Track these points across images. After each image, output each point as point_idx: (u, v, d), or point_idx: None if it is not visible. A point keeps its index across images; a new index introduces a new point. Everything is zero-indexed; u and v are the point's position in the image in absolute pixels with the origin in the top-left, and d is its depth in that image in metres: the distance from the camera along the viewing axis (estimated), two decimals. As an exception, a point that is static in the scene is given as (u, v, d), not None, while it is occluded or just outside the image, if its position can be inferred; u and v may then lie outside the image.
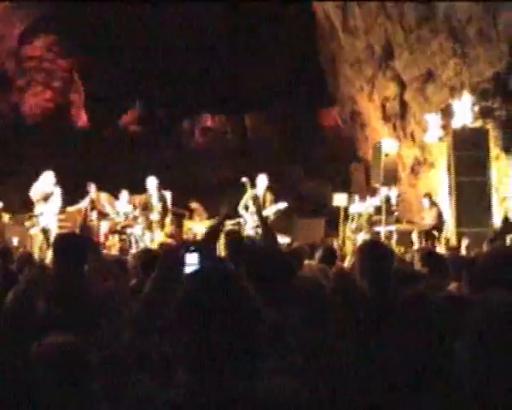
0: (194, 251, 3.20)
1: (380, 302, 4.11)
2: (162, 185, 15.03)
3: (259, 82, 27.06)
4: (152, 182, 14.79)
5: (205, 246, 3.91)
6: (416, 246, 12.98)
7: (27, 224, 14.63)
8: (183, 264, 3.20)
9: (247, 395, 2.02)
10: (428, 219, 15.05)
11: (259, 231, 13.80)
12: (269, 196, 14.12)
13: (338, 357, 3.52)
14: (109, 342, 3.71)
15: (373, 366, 3.52)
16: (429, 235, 14.40)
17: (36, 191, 14.41)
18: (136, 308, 3.43)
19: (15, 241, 14.74)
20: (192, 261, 3.21)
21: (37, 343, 3.12)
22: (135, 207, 15.46)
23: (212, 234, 4.24)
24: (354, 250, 8.42)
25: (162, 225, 14.68)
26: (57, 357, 3.02)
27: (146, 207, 14.74)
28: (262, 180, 14.17)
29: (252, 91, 26.72)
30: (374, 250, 4.56)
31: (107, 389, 3.08)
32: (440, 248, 12.81)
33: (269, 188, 14.24)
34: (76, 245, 4.89)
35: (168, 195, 15.39)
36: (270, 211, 13.96)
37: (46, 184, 14.43)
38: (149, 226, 14.60)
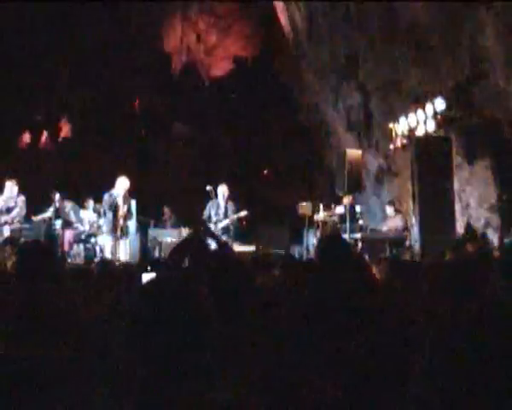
0: (152, 270, 3.19)
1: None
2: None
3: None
4: (122, 182, 14.05)
5: (170, 259, 3.91)
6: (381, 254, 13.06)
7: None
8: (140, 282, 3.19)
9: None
10: (392, 226, 15.16)
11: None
12: (231, 205, 14.23)
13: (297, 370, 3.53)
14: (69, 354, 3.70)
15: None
16: (394, 243, 14.49)
17: (-1, 202, 14.33)
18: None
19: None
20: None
21: None
22: (99, 216, 15.38)
23: (183, 247, 4.24)
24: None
25: (126, 230, 14.36)
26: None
27: (114, 208, 13.89)
28: (223, 190, 14.27)
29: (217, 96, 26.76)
30: (332, 243, 4.65)
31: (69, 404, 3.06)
32: (405, 256, 12.91)
33: (230, 197, 14.34)
34: (40, 254, 4.87)
35: (133, 202, 15.05)
36: (231, 220, 14.07)
37: (9, 194, 14.34)
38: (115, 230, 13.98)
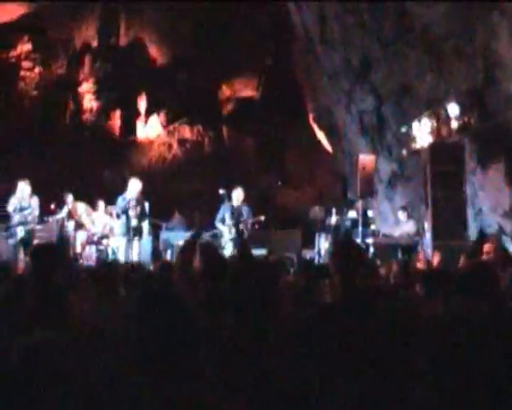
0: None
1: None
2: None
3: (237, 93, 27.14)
4: (134, 184, 14.18)
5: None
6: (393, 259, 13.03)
7: (5, 234, 14.57)
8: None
9: None
10: (405, 232, 15.12)
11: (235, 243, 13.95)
12: (246, 209, 14.23)
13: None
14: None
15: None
16: (406, 248, 14.45)
17: (12, 202, 14.37)
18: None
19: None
20: None
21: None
22: (111, 217, 15.42)
23: (188, 249, 4.27)
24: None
25: (140, 232, 14.39)
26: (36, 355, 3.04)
27: (126, 210, 13.98)
28: (238, 193, 14.26)
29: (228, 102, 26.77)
30: (345, 246, 4.65)
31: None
32: (418, 262, 12.88)
33: (245, 201, 14.33)
34: (53, 256, 4.91)
35: (146, 204, 14.99)
36: (247, 223, 14.07)
37: (22, 194, 14.38)
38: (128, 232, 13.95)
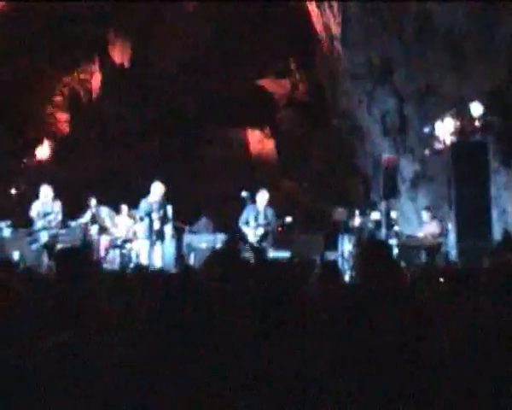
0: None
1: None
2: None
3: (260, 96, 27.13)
4: (157, 188, 14.23)
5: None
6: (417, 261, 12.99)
7: (28, 239, 14.64)
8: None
9: None
10: (429, 233, 15.04)
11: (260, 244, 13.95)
12: (269, 211, 14.21)
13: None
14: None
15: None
16: (430, 249, 14.38)
17: (35, 207, 14.45)
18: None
19: (16, 255, 14.70)
20: None
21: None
22: (135, 221, 15.44)
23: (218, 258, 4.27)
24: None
25: (162, 236, 14.44)
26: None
27: (150, 214, 14.04)
28: (263, 195, 14.23)
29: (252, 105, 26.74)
30: (371, 247, 4.63)
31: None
32: (441, 262, 12.83)
33: (269, 203, 14.32)
34: (77, 260, 4.93)
35: (169, 207, 14.99)
36: (273, 225, 14.05)
37: (45, 199, 14.46)
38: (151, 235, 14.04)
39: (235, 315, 3.21)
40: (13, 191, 22.18)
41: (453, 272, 6.24)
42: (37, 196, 14.59)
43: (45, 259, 13.97)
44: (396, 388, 3.25)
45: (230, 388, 2.50)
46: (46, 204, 14.46)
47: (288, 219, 14.26)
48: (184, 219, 16.88)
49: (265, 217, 14.18)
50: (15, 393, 2.99)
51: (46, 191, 14.49)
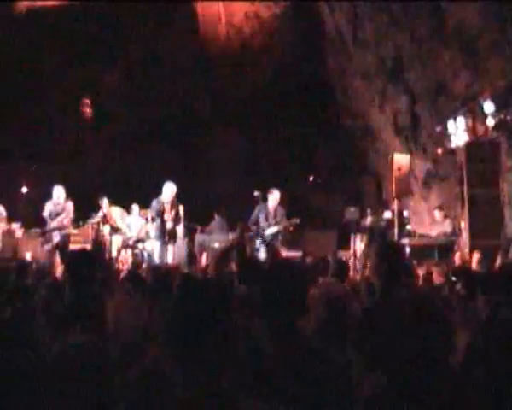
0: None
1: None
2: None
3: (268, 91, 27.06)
4: (169, 187, 14.13)
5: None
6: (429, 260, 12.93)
7: (41, 240, 14.68)
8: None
9: None
10: (441, 232, 14.98)
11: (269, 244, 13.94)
12: (280, 211, 14.18)
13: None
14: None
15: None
16: (442, 248, 14.32)
17: (47, 207, 14.47)
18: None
19: (28, 256, 14.73)
20: None
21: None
22: (146, 221, 15.45)
23: (227, 251, 4.26)
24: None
25: (174, 235, 14.41)
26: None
27: (161, 214, 13.97)
28: (274, 195, 14.20)
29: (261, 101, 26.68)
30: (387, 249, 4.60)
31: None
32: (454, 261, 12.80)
33: (280, 203, 14.29)
34: (88, 261, 4.94)
35: (181, 207, 14.92)
36: (282, 225, 14.03)
37: (57, 199, 14.49)
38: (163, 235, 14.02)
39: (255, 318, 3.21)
40: (24, 191, 22.20)
41: (467, 272, 6.21)
42: (49, 197, 14.61)
43: (57, 259, 13.99)
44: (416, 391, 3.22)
45: (248, 389, 2.49)
46: (58, 205, 14.49)
47: (296, 220, 14.25)
48: (196, 219, 16.88)
49: (276, 216, 14.17)
50: (27, 395, 2.98)
51: (59, 192, 14.52)
